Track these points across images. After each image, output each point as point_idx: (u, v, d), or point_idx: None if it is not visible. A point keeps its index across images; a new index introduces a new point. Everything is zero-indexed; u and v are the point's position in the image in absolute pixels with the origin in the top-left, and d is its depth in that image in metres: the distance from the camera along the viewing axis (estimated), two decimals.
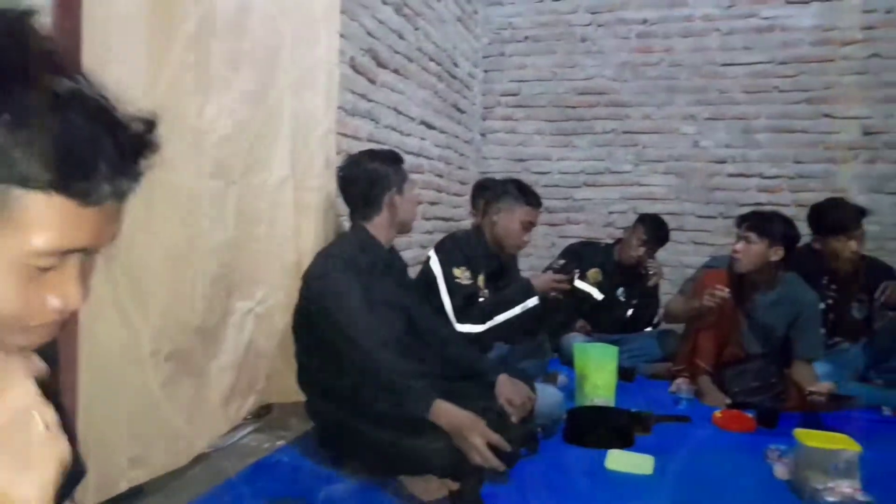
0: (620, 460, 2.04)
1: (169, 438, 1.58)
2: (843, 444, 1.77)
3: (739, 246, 2.77)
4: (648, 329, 3.48)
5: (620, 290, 3.41)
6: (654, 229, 3.31)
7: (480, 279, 2.45)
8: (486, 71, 4.22)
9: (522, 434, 2.00)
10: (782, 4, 3.67)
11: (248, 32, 1.75)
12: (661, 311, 3.43)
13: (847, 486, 1.64)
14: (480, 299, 2.38)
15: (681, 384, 2.83)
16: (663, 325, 3.44)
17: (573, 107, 4.09)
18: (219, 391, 1.78)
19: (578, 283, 3.37)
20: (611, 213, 4.05)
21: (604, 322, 3.36)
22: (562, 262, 3.41)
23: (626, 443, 2.21)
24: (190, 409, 1.66)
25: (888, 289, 2.98)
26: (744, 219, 2.83)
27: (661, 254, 3.53)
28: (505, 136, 4.23)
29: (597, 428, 2.21)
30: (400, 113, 2.93)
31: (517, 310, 2.32)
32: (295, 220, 2.01)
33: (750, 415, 2.53)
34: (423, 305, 2.12)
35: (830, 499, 1.54)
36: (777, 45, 3.69)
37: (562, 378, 2.86)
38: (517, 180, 2.60)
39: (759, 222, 2.76)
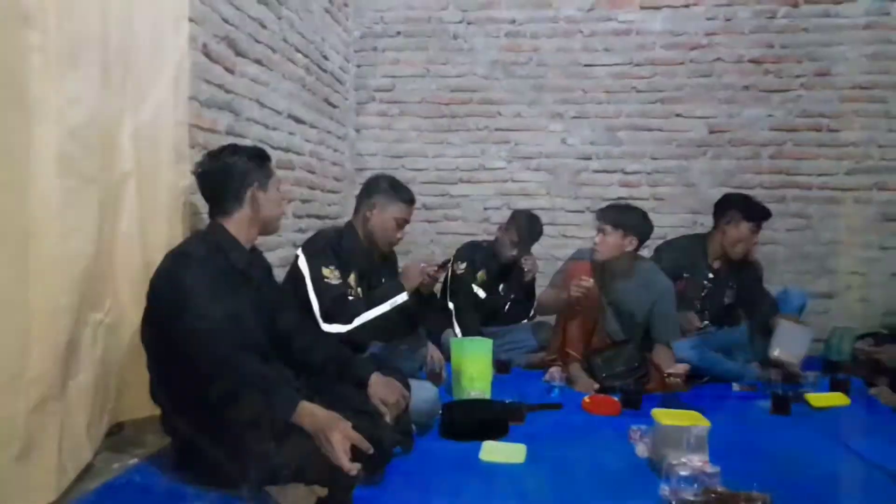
0: (494, 451, 2.06)
1: (42, 472, 1.43)
2: (694, 421, 1.89)
3: (598, 238, 2.93)
4: (525, 321, 3.58)
5: (501, 286, 3.48)
6: (527, 225, 3.41)
7: (352, 278, 2.39)
8: (358, 65, 4.15)
9: (397, 433, 1.97)
10: (637, 10, 3.89)
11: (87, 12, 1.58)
12: (535, 303, 3.54)
13: (697, 460, 1.74)
14: (350, 298, 2.32)
15: (553, 373, 2.93)
16: (538, 317, 3.56)
17: (447, 104, 4.11)
18: (82, 413, 1.62)
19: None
20: (486, 208, 4.12)
21: (484, 318, 3.41)
22: (463, 265, 3.40)
23: (500, 433, 2.24)
24: (60, 437, 1.50)
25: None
26: (600, 212, 3.00)
27: (535, 248, 3.64)
28: (380, 132, 4.18)
29: (471, 421, 2.22)
30: (264, 106, 2.79)
31: (386, 306, 2.28)
32: (141, 219, 1.84)
33: (616, 398, 2.66)
34: (289, 307, 2.02)
35: (682, 472, 1.63)
36: (633, 47, 3.92)
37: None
38: (390, 177, 2.56)
39: (613, 215, 2.93)
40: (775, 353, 3.00)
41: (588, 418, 2.53)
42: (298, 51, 3.17)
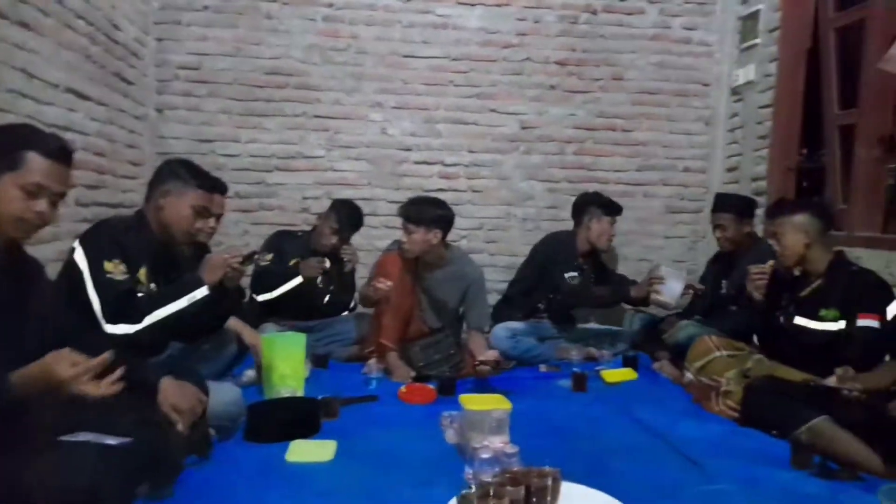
0: (301, 451, 1.98)
1: None
2: (496, 404, 1.95)
3: (405, 237, 2.96)
4: (346, 313, 3.51)
5: (319, 278, 3.37)
6: (348, 215, 3.33)
7: (143, 273, 2.14)
8: (159, 39, 3.77)
9: (194, 440, 1.81)
10: (454, 4, 3.97)
11: None
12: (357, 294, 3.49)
13: (499, 441, 1.80)
14: (140, 295, 2.08)
15: (371, 365, 2.91)
16: (360, 309, 3.51)
17: (261, 86, 3.89)
18: None
19: None
20: (305, 198, 3.97)
21: (300, 310, 3.28)
22: (269, 256, 3.24)
23: (311, 431, 2.16)
24: None
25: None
26: (402, 210, 3.03)
27: (357, 239, 3.58)
28: (186, 113, 3.85)
29: (277, 421, 2.11)
30: (33, 76, 2.42)
31: (183, 302, 2.08)
32: None
33: (431, 386, 2.69)
34: (60, 309, 1.75)
35: (484, 455, 1.67)
36: (451, 42, 3.99)
37: (250, 374, 2.71)
38: (186, 160, 2.33)
39: (414, 212, 2.97)
40: (654, 297, 3.30)
41: (404, 408, 2.54)
42: (80, 17, 2.79)
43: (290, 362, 2.48)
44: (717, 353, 2.79)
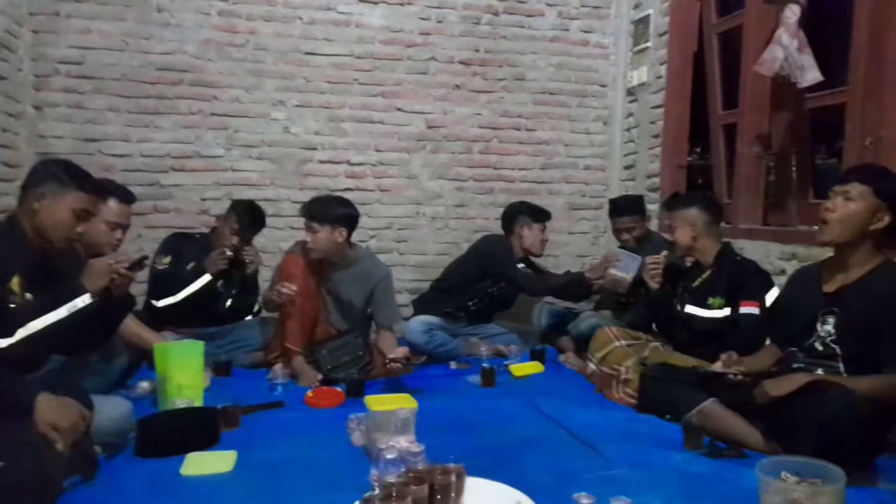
0: (198, 463, 1.89)
1: None
2: (401, 404, 1.94)
3: (308, 236, 2.89)
4: (249, 318, 3.39)
5: (220, 282, 3.23)
6: (248, 215, 3.22)
7: (16, 282, 1.96)
8: (35, 31, 3.50)
9: (75, 460, 1.68)
10: (355, 2, 3.92)
11: None
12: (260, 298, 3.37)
13: (404, 441, 1.79)
14: (12, 306, 1.91)
15: (277, 370, 2.82)
16: (264, 313, 3.39)
17: (153, 83, 3.69)
18: None
19: None
20: (204, 199, 3.80)
21: (201, 316, 3.13)
22: (166, 259, 3.07)
23: (209, 443, 2.06)
24: None
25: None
26: (305, 209, 2.96)
27: (260, 240, 3.47)
28: (69, 111, 3.59)
29: (172, 433, 2.00)
30: None
31: (62, 312, 1.93)
32: None
33: (340, 389, 2.64)
34: None
35: (389, 455, 1.65)
36: (354, 39, 3.94)
37: (144, 385, 2.56)
38: (64, 161, 2.15)
39: (318, 211, 2.91)
40: (612, 271, 3.25)
41: (311, 413, 2.48)
42: None
43: (186, 371, 2.36)
44: (617, 343, 2.90)
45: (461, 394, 2.80)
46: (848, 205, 2.08)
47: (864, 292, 2.08)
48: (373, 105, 4.00)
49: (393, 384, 2.73)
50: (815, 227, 2.23)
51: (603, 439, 2.15)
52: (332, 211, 2.92)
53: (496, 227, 4.25)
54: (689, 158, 4.24)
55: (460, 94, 4.13)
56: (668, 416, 2.32)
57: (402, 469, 1.62)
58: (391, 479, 1.55)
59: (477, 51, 4.13)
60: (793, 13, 2.76)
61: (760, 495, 1.45)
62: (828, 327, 2.16)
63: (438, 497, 1.53)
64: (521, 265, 3.60)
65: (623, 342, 2.90)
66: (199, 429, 2.06)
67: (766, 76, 2.95)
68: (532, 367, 3.16)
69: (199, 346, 2.48)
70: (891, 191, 2.06)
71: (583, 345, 3.16)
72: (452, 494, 1.54)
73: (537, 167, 4.32)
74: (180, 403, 2.29)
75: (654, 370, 2.49)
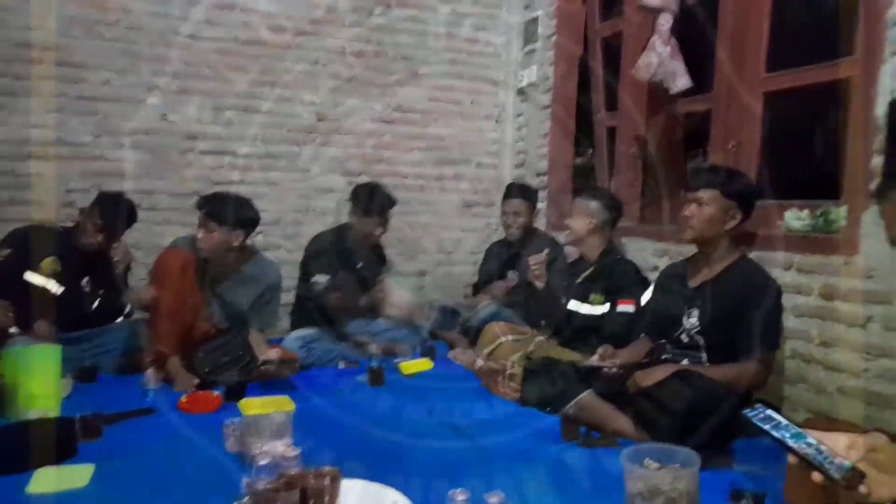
0: (48, 479, 1.72)
1: None
2: (277, 407, 1.86)
3: (200, 233, 2.74)
4: (119, 320, 3.15)
5: (85, 280, 2.97)
6: (115, 209, 2.98)
7: None
8: None
9: None
10: None
11: None
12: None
13: (280, 445, 1.72)
14: None
15: (150, 375, 2.64)
16: (138, 314, 3.17)
17: (8, 61, 3.34)
18: None
19: (30, 277, 2.81)
20: (69, 191, 3.49)
21: (65, 319, 2.87)
22: (6, 251, 2.78)
23: (64, 456, 1.89)
24: None
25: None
26: (202, 204, 2.81)
27: (134, 235, 3.24)
28: None
29: (20, 447, 1.82)
30: None
31: None
32: None
33: (218, 393, 2.51)
34: None
35: (262, 461, 1.58)
36: (238, 24, 3.76)
37: None
38: None
39: (216, 209, 2.76)
40: (394, 310, 3.21)
41: (184, 420, 2.33)
42: None
43: (39, 379, 2.16)
44: (504, 339, 2.95)
45: (349, 394, 2.75)
46: (702, 210, 2.24)
47: (723, 287, 2.24)
48: (259, 94, 3.84)
49: (277, 386, 2.63)
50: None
51: (485, 434, 2.18)
52: (234, 213, 2.77)
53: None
54: (584, 158, 4.40)
55: (352, 87, 4.04)
56: (548, 409, 2.38)
57: (275, 474, 1.56)
58: (262, 485, 1.49)
59: (369, 42, 4.06)
60: (665, 21, 2.91)
61: (625, 482, 1.50)
62: (693, 320, 2.31)
63: (312, 502, 1.48)
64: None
65: (510, 337, 2.96)
66: (51, 441, 1.88)
67: (643, 81, 3.10)
68: (421, 365, 3.15)
69: (54, 351, 2.27)
70: (737, 191, 2.23)
71: (474, 340, 3.19)
72: (326, 498, 1.49)
73: (431, 163, 4.32)
74: (32, 414, 2.08)
75: (536, 365, 2.55)
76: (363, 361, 3.18)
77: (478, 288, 3.80)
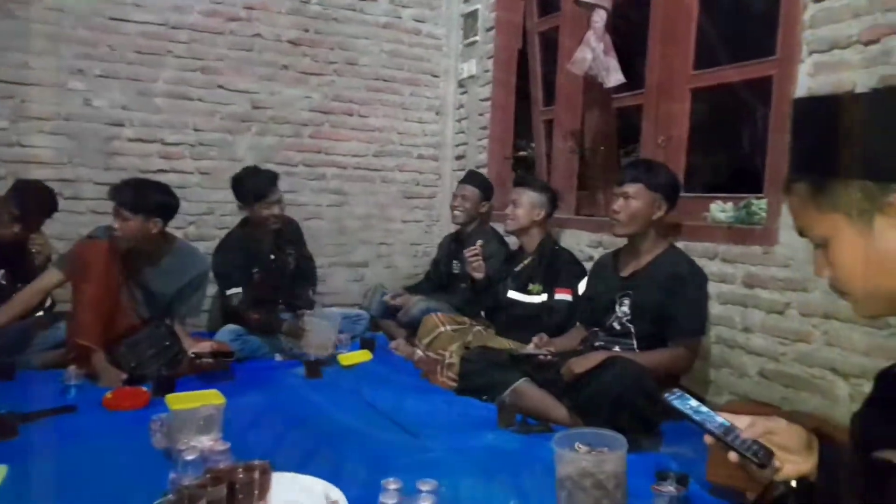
0: None
1: None
2: (206, 401, 1.81)
3: (117, 222, 2.63)
4: (39, 313, 2.99)
5: (1, 273, 2.82)
6: (33, 199, 2.83)
7: None
8: None
9: None
10: None
11: None
12: None
13: (208, 440, 1.67)
14: None
15: (72, 370, 2.52)
16: (60, 307, 3.02)
17: None
18: None
19: None
20: None
21: None
22: None
23: None
24: None
25: None
26: (115, 193, 2.69)
27: (56, 227, 3.09)
28: None
29: None
30: None
31: None
32: None
33: (146, 388, 2.42)
34: None
35: (189, 457, 1.53)
36: (168, 8, 3.61)
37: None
38: None
39: (128, 198, 2.66)
40: (310, 349, 2.98)
41: (110, 416, 2.24)
42: None
43: None
44: (443, 329, 2.96)
45: (284, 387, 2.70)
46: (630, 203, 2.31)
47: (652, 276, 2.32)
48: (191, 80, 3.71)
49: (212, 379, 2.56)
50: None
51: (422, 424, 2.19)
52: (147, 199, 2.66)
53: (328, 214, 4.18)
54: (525, 152, 4.45)
55: (288, 75, 3.95)
56: (484, 398, 2.41)
57: (203, 470, 1.51)
58: (189, 481, 1.44)
59: (306, 31, 3.98)
60: (600, 18, 2.97)
61: (555, 466, 1.53)
62: (624, 308, 2.38)
63: (241, 496, 1.44)
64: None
65: (449, 327, 2.98)
66: None
67: (579, 76, 3.16)
68: (360, 356, 3.13)
69: None
70: (661, 183, 2.32)
71: (414, 331, 3.19)
72: (256, 492, 1.46)
73: (370, 154, 4.28)
74: None
75: (473, 354, 2.57)
76: (301, 353, 3.14)
77: (430, 279, 3.80)
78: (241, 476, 1.44)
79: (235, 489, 1.43)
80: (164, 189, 2.76)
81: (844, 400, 2.08)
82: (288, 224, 3.39)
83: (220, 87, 3.78)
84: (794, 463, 0.95)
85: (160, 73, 3.63)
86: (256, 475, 1.46)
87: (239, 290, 3.06)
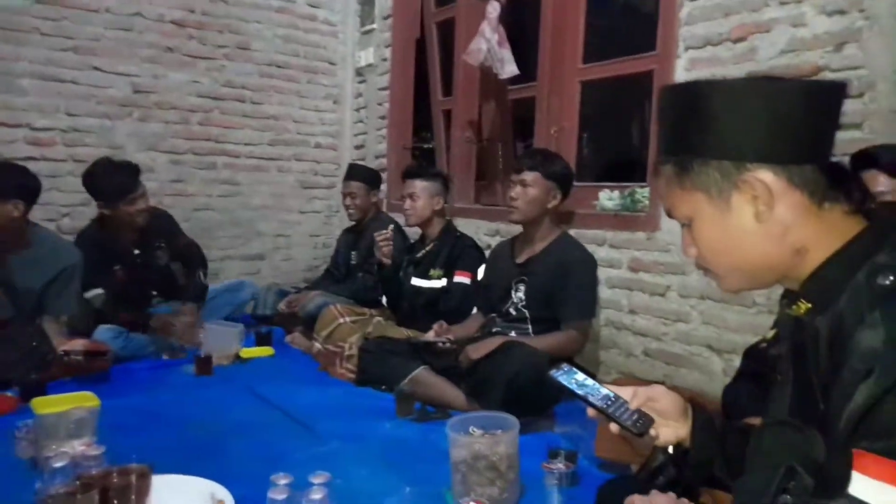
0: None
1: None
2: (77, 403, 1.68)
3: None
4: None
5: None
6: None
7: None
8: None
9: None
10: None
11: None
12: None
13: (80, 444, 1.55)
14: None
15: None
16: None
17: None
18: None
19: None
20: None
21: None
22: None
23: None
24: None
25: None
26: None
27: None
28: None
29: None
30: None
31: None
32: None
33: (11, 394, 2.21)
34: None
35: (58, 463, 1.41)
36: None
37: None
38: None
39: None
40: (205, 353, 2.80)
41: None
42: None
43: None
44: (342, 320, 2.91)
45: (172, 385, 2.56)
46: (526, 191, 2.37)
47: (545, 262, 2.38)
48: (61, 61, 3.41)
49: (86, 382, 2.37)
50: None
51: (318, 416, 2.14)
52: (4, 180, 2.42)
53: (220, 205, 4.00)
54: (428, 145, 4.43)
55: (174, 58, 3.73)
56: (383, 388, 2.39)
57: (73, 476, 1.40)
58: (57, 489, 1.33)
59: (192, 11, 3.76)
60: (494, 9, 3.01)
61: (450, 451, 1.54)
62: (519, 294, 2.43)
63: (115, 502, 1.34)
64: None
65: (348, 319, 2.92)
66: None
67: (476, 66, 3.19)
68: (259, 351, 3.02)
69: None
70: (556, 172, 2.39)
71: (311, 325, 3.11)
72: (133, 497, 1.37)
73: (265, 143, 4.13)
74: None
75: (371, 344, 2.55)
76: (190, 351, 2.98)
77: (331, 273, 3.71)
78: (115, 481, 1.34)
79: (109, 495, 1.34)
80: (21, 170, 2.52)
81: (719, 375, 2.24)
82: (156, 217, 3.16)
83: (96, 68, 3.51)
84: (673, 428, 1.00)
85: (24, 52, 3.31)
86: (133, 479, 1.37)
87: (100, 290, 2.86)
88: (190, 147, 3.84)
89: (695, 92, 0.81)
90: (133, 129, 3.65)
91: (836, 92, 0.80)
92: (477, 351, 2.21)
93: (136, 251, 3.07)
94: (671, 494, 0.98)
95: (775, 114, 0.74)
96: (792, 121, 0.74)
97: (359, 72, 4.31)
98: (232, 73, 3.94)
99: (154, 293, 3.20)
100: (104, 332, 2.76)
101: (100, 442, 1.61)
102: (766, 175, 0.76)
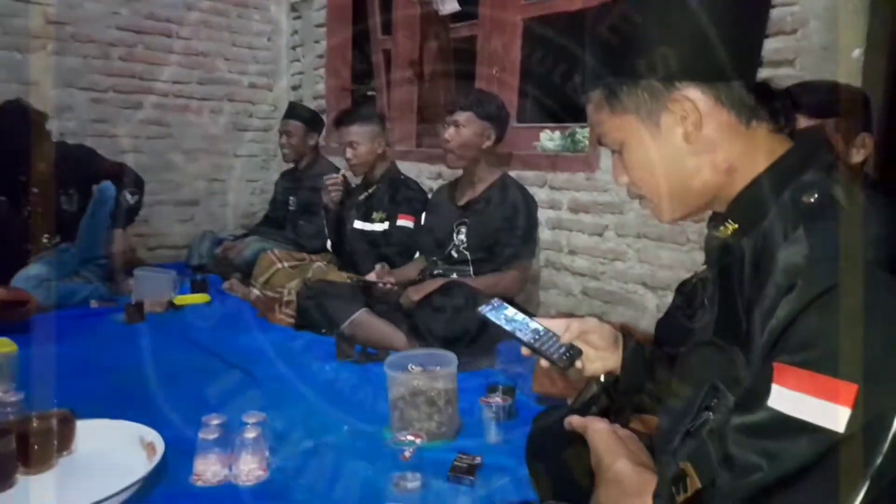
0: None
1: None
2: None
3: None
4: None
5: None
6: None
7: None
8: None
9: None
10: None
11: None
12: None
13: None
14: None
15: None
16: None
17: None
18: None
19: None
20: None
21: None
22: None
23: None
24: None
25: None
26: None
27: None
28: None
29: None
30: None
31: None
32: None
33: None
34: None
35: None
36: None
37: None
38: None
39: None
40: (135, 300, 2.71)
41: None
42: None
43: None
44: (280, 266, 2.84)
45: (101, 334, 2.47)
46: (460, 131, 2.33)
47: (486, 204, 2.37)
48: None
49: (7, 330, 2.25)
50: None
51: (256, 361, 2.10)
52: None
53: (148, 147, 3.80)
54: (371, 91, 4.27)
55: None
56: (323, 331, 2.36)
57: None
58: None
59: None
60: None
61: (388, 389, 1.54)
62: (461, 237, 2.42)
63: (36, 448, 1.29)
64: None
65: (286, 264, 2.85)
66: None
67: (416, 2, 3.07)
68: (195, 298, 2.92)
69: None
70: (489, 112, 2.35)
71: (249, 272, 3.03)
72: (55, 442, 1.31)
73: (194, 82, 3.91)
74: None
75: (311, 288, 2.50)
76: (120, 299, 2.87)
77: (269, 219, 3.59)
78: (35, 426, 1.28)
79: (30, 441, 1.27)
80: None
81: (652, 311, 2.30)
82: (64, 159, 2.93)
83: None
84: (604, 359, 1.01)
85: None
86: (54, 424, 1.31)
87: None
88: (112, 84, 3.60)
89: (619, 12, 0.78)
90: (48, 63, 3.38)
91: (761, 2, 0.79)
92: (418, 292, 2.20)
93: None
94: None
95: (699, 27, 0.73)
96: (717, 34, 0.73)
97: (293, 6, 4.10)
98: (155, 6, 3.68)
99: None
100: (23, 279, 2.61)
101: (19, 389, 1.53)
102: (693, 93, 0.75)
